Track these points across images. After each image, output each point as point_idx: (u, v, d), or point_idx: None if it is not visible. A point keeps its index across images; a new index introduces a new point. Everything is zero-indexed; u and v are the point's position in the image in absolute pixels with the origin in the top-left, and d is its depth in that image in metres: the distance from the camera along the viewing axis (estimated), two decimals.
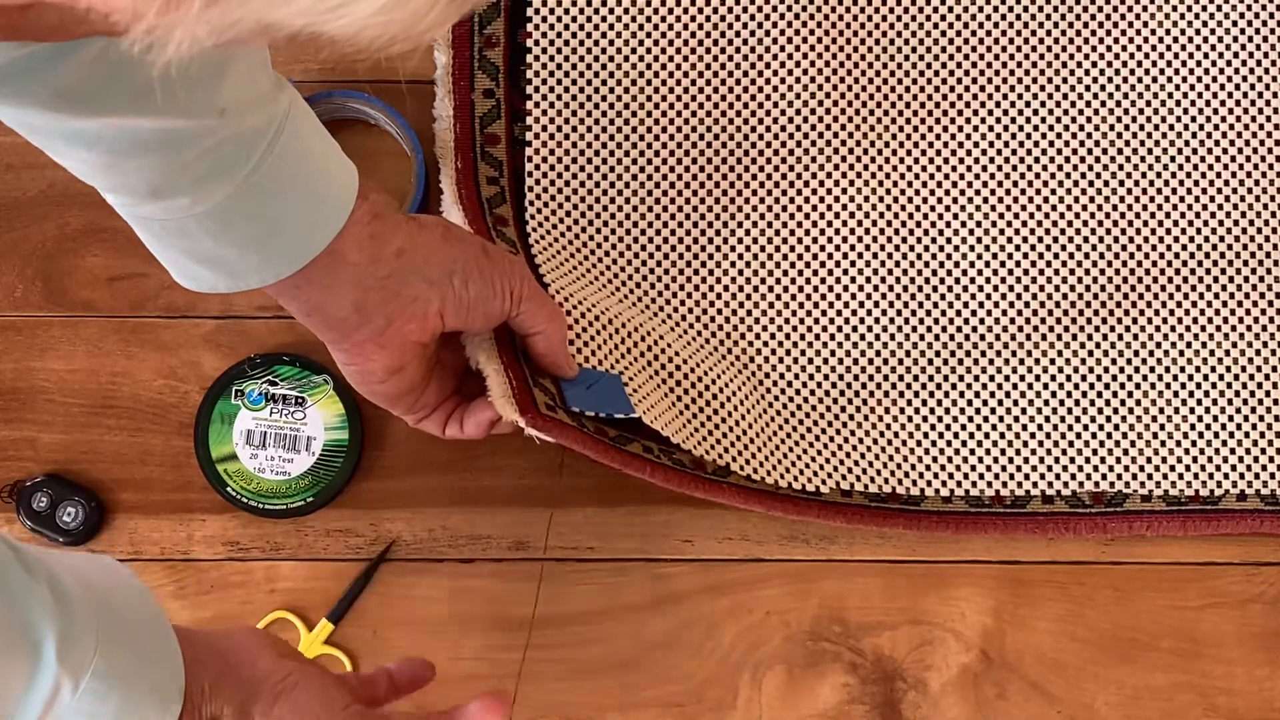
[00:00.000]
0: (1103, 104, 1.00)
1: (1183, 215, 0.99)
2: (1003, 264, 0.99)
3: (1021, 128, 1.00)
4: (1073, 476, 0.97)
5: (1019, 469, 0.97)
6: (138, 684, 0.71)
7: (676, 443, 0.92)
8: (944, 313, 0.98)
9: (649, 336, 0.95)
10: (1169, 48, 1.01)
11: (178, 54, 0.40)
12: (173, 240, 0.78)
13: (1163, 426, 0.97)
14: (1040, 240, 0.99)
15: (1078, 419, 0.97)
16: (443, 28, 0.40)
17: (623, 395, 0.91)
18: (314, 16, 0.40)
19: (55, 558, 0.71)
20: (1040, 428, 0.97)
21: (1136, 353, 0.98)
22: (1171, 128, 1.00)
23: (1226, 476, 0.97)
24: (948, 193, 0.99)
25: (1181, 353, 0.98)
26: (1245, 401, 0.97)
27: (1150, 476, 0.97)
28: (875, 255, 0.99)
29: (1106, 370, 0.98)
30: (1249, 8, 1.01)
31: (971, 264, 0.99)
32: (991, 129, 1.00)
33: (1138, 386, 0.98)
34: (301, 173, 0.78)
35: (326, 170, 0.80)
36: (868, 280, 0.98)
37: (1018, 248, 0.99)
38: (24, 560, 0.68)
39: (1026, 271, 0.99)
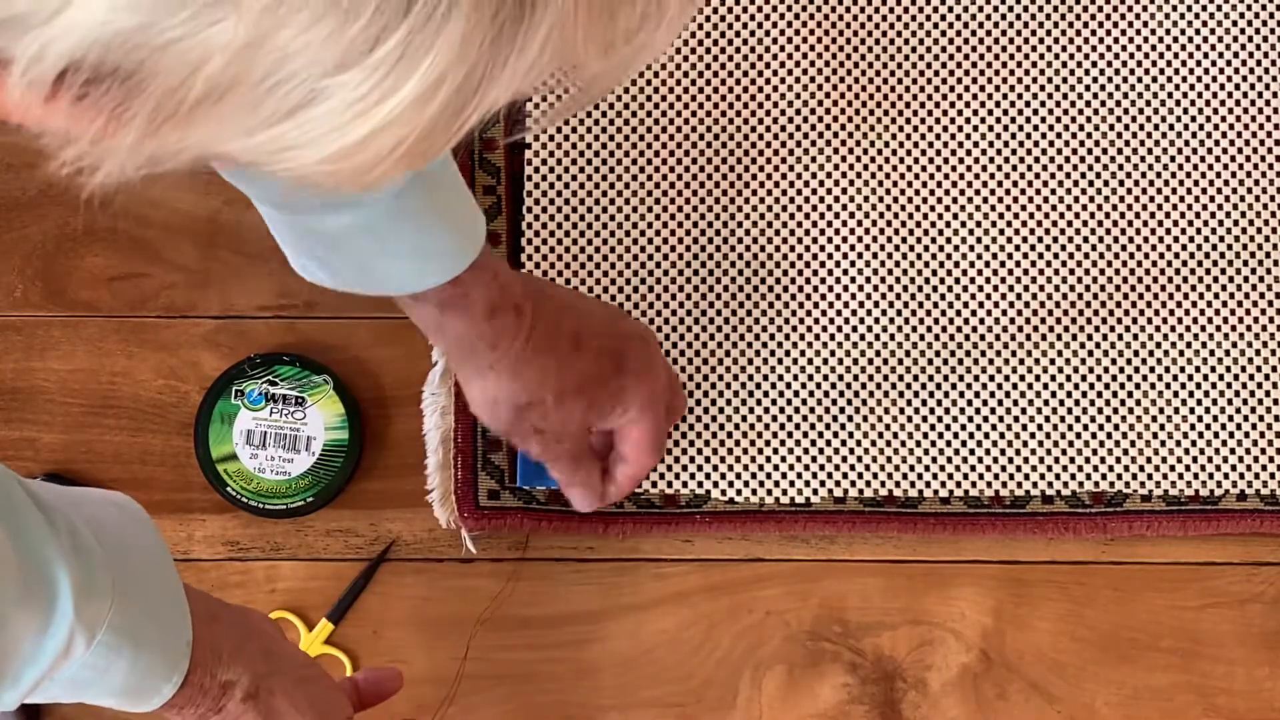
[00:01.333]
0: (1103, 104, 1.00)
1: (1183, 215, 0.99)
2: (1003, 264, 0.99)
3: (1021, 128, 1.00)
4: (1072, 476, 0.97)
5: (1019, 469, 0.97)
6: (148, 642, 0.71)
7: (644, 487, 0.96)
8: (944, 313, 0.98)
9: None
10: (1169, 48, 1.01)
11: (107, 181, 0.40)
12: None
13: (1162, 427, 0.97)
14: (1040, 240, 0.99)
15: (1078, 419, 0.97)
16: (391, 178, 0.40)
17: None
18: (259, 156, 0.39)
19: (73, 501, 0.70)
20: (1040, 428, 0.97)
21: (1136, 353, 0.98)
22: (1171, 128, 1.00)
23: (1226, 476, 0.97)
24: (947, 193, 0.99)
25: (1181, 353, 0.98)
26: (1245, 401, 0.97)
27: (1150, 476, 0.97)
28: (875, 255, 0.99)
29: (1106, 370, 0.98)
30: (1249, 8, 1.01)
31: (971, 264, 0.99)
32: (991, 129, 1.00)
33: (1137, 387, 0.98)
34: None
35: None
36: (867, 280, 0.98)
37: (1017, 248, 0.99)
38: (43, 507, 0.68)
39: (1026, 272, 0.99)
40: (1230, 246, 0.99)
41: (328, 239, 0.78)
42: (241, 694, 0.75)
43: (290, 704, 0.77)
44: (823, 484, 0.96)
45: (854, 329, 0.98)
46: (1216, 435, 0.97)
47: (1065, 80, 1.01)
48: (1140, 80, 1.01)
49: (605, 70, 0.41)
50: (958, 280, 0.98)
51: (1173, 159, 1.00)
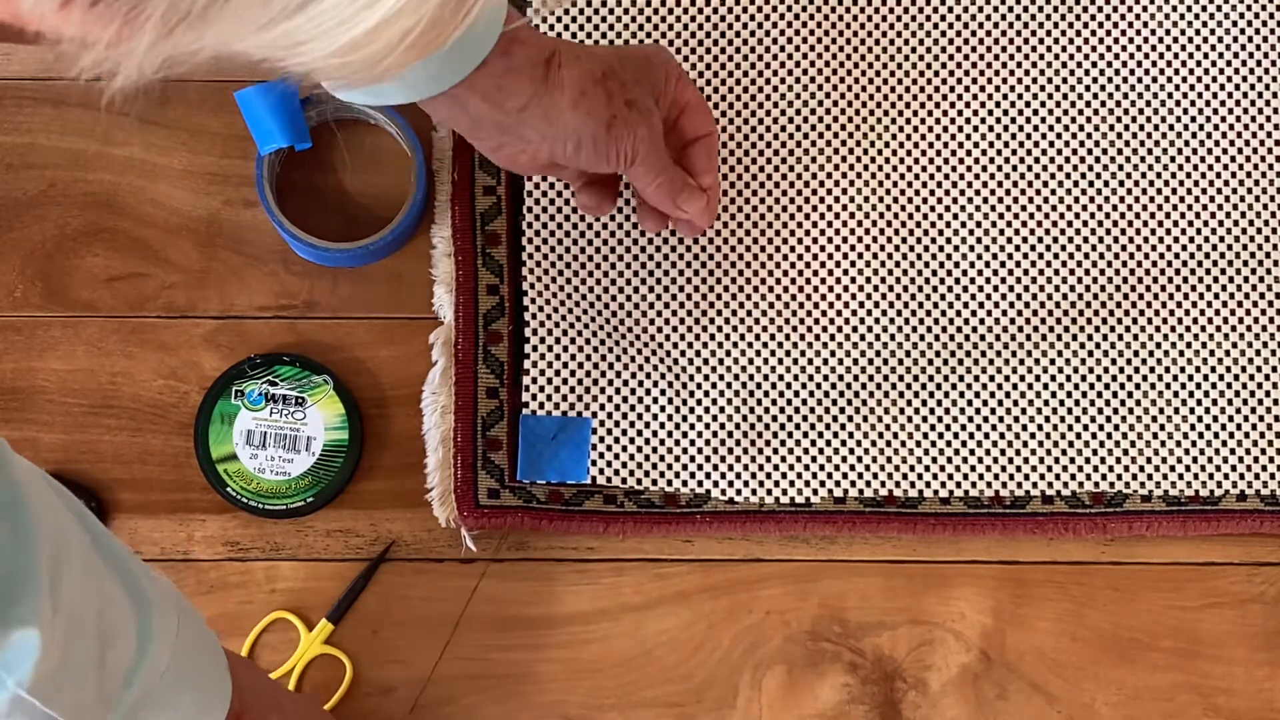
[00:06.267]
0: (1103, 104, 1.00)
1: (1183, 215, 0.99)
2: (1003, 264, 0.99)
3: (1021, 128, 1.00)
4: (1072, 477, 0.97)
5: (1019, 469, 0.97)
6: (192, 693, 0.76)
7: (644, 486, 0.96)
8: (944, 313, 0.98)
9: (630, 365, 0.96)
10: (1169, 48, 1.01)
11: (126, 84, 0.40)
12: None
13: (1162, 427, 0.97)
14: (1040, 240, 0.99)
15: (1078, 419, 0.97)
16: (400, 69, 0.41)
17: (583, 454, 0.96)
18: (272, 52, 0.39)
19: (148, 571, 0.74)
20: (1040, 428, 0.97)
21: (1136, 353, 0.98)
22: (1171, 128, 1.00)
23: (1226, 477, 0.97)
24: (948, 193, 0.99)
25: (1181, 353, 0.98)
26: (1245, 401, 0.97)
27: (1150, 477, 0.97)
28: (875, 255, 0.99)
29: (1106, 370, 0.98)
30: (1249, 8, 1.01)
31: (971, 264, 0.99)
32: (991, 129, 1.00)
33: (1137, 387, 0.98)
34: None
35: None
36: (867, 280, 0.98)
37: (1018, 248, 0.99)
38: (144, 568, 0.73)
39: (1026, 272, 0.99)
40: (1230, 246, 0.99)
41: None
42: None
43: None
44: (823, 484, 0.96)
45: (854, 329, 0.98)
46: (1216, 435, 0.97)
47: (1065, 80, 1.01)
48: (1140, 80, 1.01)
49: None
50: (958, 280, 0.98)
51: (1173, 159, 1.00)
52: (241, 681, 0.80)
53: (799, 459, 0.96)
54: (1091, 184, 1.00)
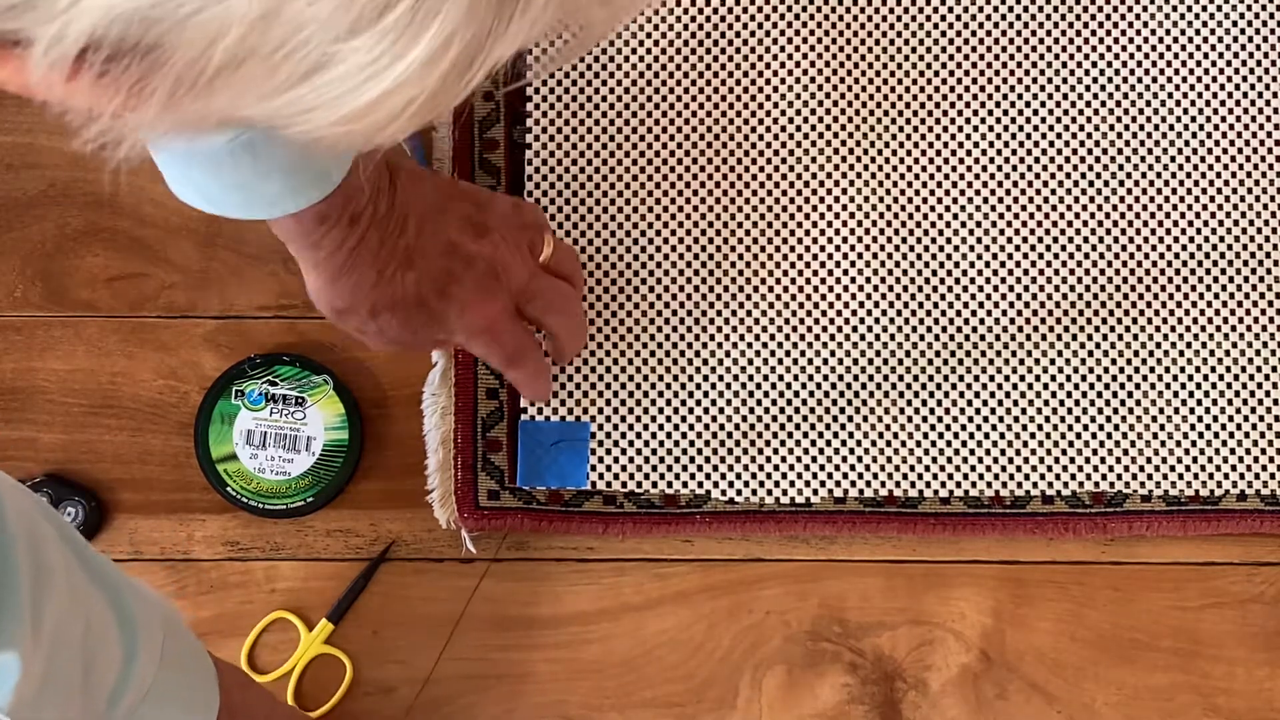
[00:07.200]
0: (1103, 104, 1.00)
1: (1183, 215, 0.99)
2: (1003, 264, 0.99)
3: (1021, 128, 1.00)
4: (1072, 477, 0.97)
5: (1019, 469, 0.97)
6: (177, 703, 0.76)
7: (645, 488, 0.96)
8: (944, 313, 0.98)
9: (629, 366, 0.96)
10: (1169, 48, 1.01)
11: (131, 154, 0.41)
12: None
13: (1162, 427, 0.97)
14: (1040, 240, 0.99)
15: (1078, 419, 0.97)
16: (402, 136, 0.41)
17: (583, 458, 0.96)
18: (276, 119, 0.40)
19: (134, 586, 0.75)
20: (1040, 428, 0.97)
21: (1136, 353, 0.98)
22: (1171, 128, 1.00)
23: (1226, 477, 0.97)
24: (948, 193, 0.99)
25: (1181, 353, 0.98)
26: (1245, 401, 0.97)
27: (1150, 477, 0.97)
28: (875, 255, 0.99)
29: (1106, 370, 0.98)
30: (1249, 8, 1.01)
31: (971, 264, 0.99)
32: (991, 129, 1.00)
33: (1137, 387, 0.98)
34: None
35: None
36: (867, 280, 0.98)
37: (1018, 248, 0.99)
38: (130, 583, 0.73)
39: (1026, 272, 0.99)
40: (1230, 246, 0.99)
41: (209, 159, 0.77)
42: None
43: None
44: (823, 484, 0.96)
45: (854, 329, 0.98)
46: (1216, 435, 0.97)
47: (1065, 80, 1.01)
48: (1140, 80, 1.01)
49: (604, 17, 0.42)
50: (958, 280, 0.98)
51: (1173, 159, 1.00)
52: (231, 698, 0.80)
53: (799, 459, 0.96)
54: (1091, 184, 1.00)
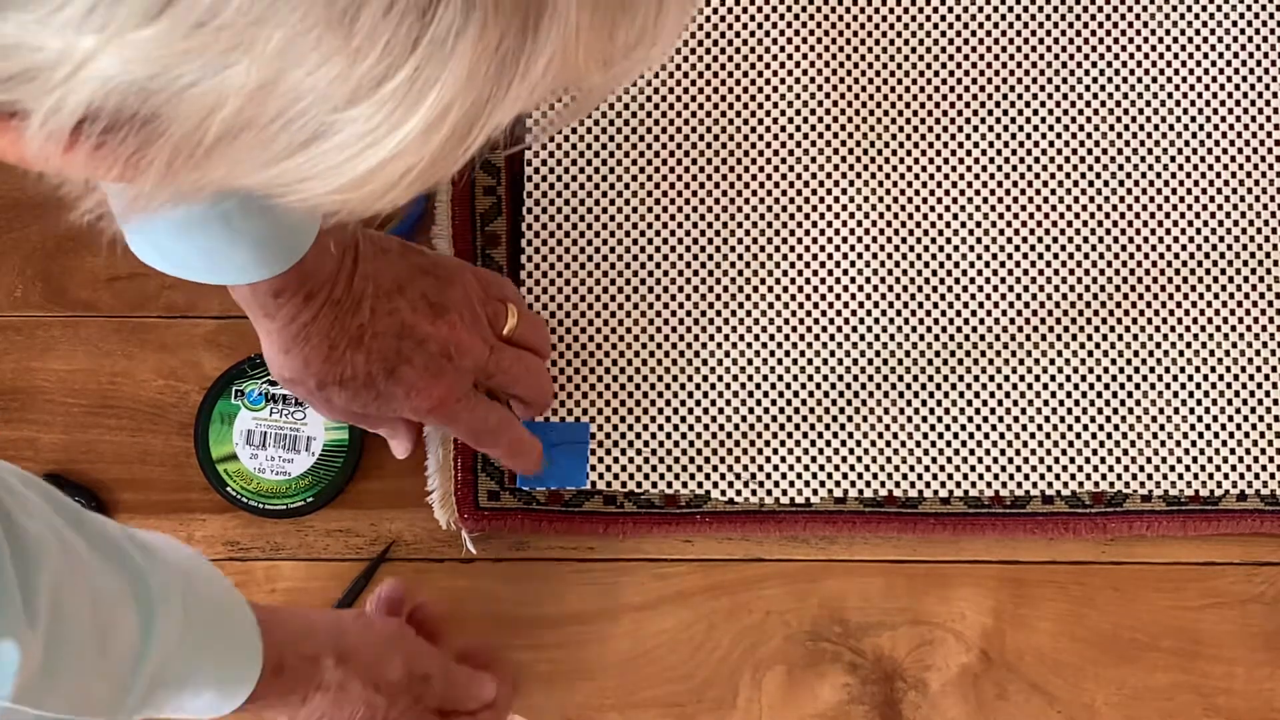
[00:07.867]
0: (1103, 104, 1.00)
1: (1183, 215, 0.99)
2: (1003, 264, 0.99)
3: (1021, 128, 1.00)
4: (1072, 477, 0.97)
5: (1018, 469, 0.97)
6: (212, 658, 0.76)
7: (645, 488, 0.96)
8: (944, 313, 0.98)
9: (630, 366, 0.97)
10: (1169, 48, 1.01)
11: (127, 222, 0.41)
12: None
13: (1162, 427, 0.97)
14: (1040, 240, 0.99)
15: (1078, 419, 0.97)
16: (400, 203, 0.41)
17: (583, 459, 0.96)
18: (273, 188, 0.40)
19: (142, 543, 0.74)
20: (1040, 428, 0.97)
21: (1136, 353, 0.98)
22: (1171, 128, 1.00)
23: (1226, 477, 0.97)
24: (947, 193, 0.99)
25: (1181, 353, 0.98)
26: (1245, 401, 0.97)
27: (1150, 476, 0.97)
28: (875, 255, 0.99)
29: (1106, 370, 0.98)
30: (1249, 8, 1.01)
31: (971, 264, 0.99)
32: (991, 129, 1.00)
33: (1137, 387, 0.98)
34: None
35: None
36: (867, 280, 0.98)
37: (1017, 248, 0.99)
38: (136, 542, 0.73)
39: (1026, 272, 0.99)
40: (1230, 247, 0.99)
41: (174, 225, 0.78)
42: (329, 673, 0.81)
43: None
44: (823, 484, 0.96)
45: (854, 329, 0.98)
46: (1216, 435, 0.97)
47: (1065, 80, 1.01)
48: (1140, 80, 1.01)
49: (603, 82, 0.42)
50: (958, 280, 0.98)
51: (1173, 159, 1.00)
52: (274, 635, 0.78)
53: (799, 459, 0.96)
54: (1091, 184, 1.00)
